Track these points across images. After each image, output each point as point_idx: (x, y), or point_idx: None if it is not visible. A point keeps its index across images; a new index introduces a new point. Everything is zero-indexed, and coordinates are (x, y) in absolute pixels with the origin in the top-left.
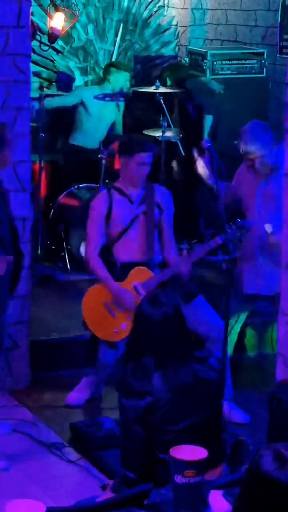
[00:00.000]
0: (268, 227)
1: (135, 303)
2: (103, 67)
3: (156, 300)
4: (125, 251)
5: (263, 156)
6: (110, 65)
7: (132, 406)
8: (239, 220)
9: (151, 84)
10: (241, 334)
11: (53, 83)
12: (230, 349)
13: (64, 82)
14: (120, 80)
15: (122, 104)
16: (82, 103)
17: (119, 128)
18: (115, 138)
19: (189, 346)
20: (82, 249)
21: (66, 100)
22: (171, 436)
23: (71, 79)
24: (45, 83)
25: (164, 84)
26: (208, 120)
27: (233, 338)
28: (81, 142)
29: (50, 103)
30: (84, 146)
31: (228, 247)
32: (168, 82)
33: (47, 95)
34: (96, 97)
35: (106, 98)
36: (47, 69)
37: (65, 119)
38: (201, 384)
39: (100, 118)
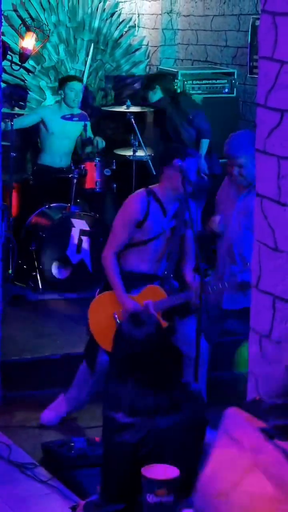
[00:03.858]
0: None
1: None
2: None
3: (138, 320)
4: (135, 259)
5: (243, 166)
6: (59, 78)
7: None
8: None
9: (122, 103)
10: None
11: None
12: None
13: (19, 96)
14: (67, 90)
15: (89, 124)
16: (42, 121)
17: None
18: (86, 157)
19: (172, 366)
20: (54, 269)
21: (29, 119)
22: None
23: (26, 92)
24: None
25: (144, 100)
26: (205, 144)
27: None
28: (48, 162)
29: (17, 123)
30: (52, 166)
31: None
32: (157, 94)
33: (18, 115)
34: (64, 118)
35: (74, 119)
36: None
37: (32, 139)
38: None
39: (62, 136)
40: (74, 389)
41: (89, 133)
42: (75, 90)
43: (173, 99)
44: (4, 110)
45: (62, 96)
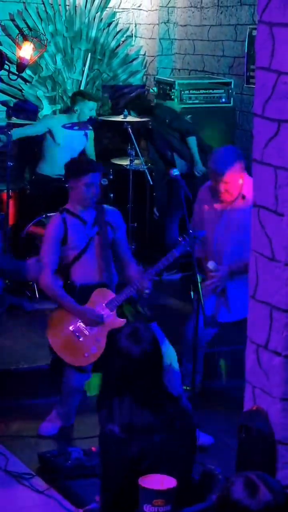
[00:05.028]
0: (211, 265)
1: (102, 317)
2: (71, 96)
3: (136, 335)
4: (83, 273)
5: (229, 182)
6: (77, 94)
7: (114, 435)
8: (191, 231)
9: (119, 113)
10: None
11: (18, 110)
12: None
13: (32, 111)
14: (85, 109)
15: (90, 133)
16: (49, 132)
17: (93, 156)
18: None
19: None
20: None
21: (34, 129)
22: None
23: (37, 108)
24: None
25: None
26: (192, 142)
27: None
28: (47, 171)
29: (17, 133)
30: (51, 176)
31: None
32: (133, 114)
33: (15, 125)
34: (64, 126)
35: (75, 127)
36: (16, 98)
37: (32, 148)
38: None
39: (68, 149)
40: (61, 405)
41: (91, 142)
42: (94, 110)
43: (150, 113)
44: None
45: (78, 113)
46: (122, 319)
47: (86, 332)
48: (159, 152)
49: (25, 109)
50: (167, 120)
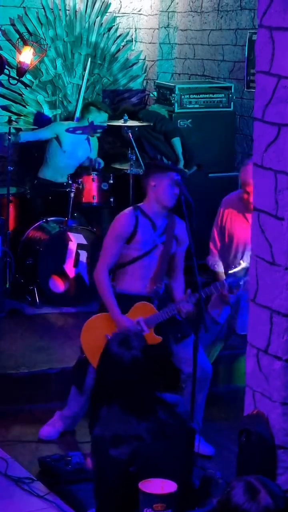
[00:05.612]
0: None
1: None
2: (71, 101)
3: (126, 342)
4: (129, 280)
5: None
6: (91, 104)
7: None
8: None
9: (119, 117)
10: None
11: (22, 117)
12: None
13: (46, 120)
14: (98, 120)
15: (93, 140)
16: (56, 138)
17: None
18: (83, 171)
19: (155, 391)
20: (51, 283)
21: (43, 134)
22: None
23: (39, 114)
24: (14, 117)
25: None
26: (177, 143)
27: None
28: (49, 177)
29: (26, 135)
30: (53, 181)
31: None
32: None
33: (16, 129)
34: (67, 130)
35: (77, 132)
36: (16, 102)
37: (33, 153)
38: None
39: (72, 156)
40: (68, 408)
41: (95, 149)
42: (105, 123)
43: (134, 117)
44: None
45: (89, 122)
46: (159, 337)
47: None
48: (150, 158)
49: (37, 119)
50: (151, 124)
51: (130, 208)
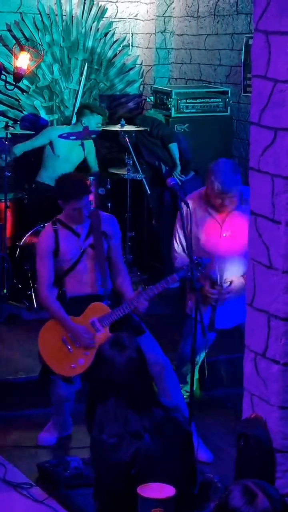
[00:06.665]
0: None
1: (94, 338)
2: (68, 106)
3: (119, 343)
4: (75, 284)
5: (234, 195)
6: (84, 106)
7: (105, 441)
8: (195, 257)
9: (116, 122)
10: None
11: (18, 123)
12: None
13: (29, 121)
14: (92, 123)
15: (88, 143)
16: (50, 143)
17: (95, 167)
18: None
19: (150, 388)
20: None
21: (36, 143)
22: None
23: (37, 118)
24: (11, 122)
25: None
26: (174, 148)
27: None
28: (47, 181)
29: (20, 149)
30: (51, 185)
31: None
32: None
33: (15, 135)
34: (60, 136)
35: (71, 137)
36: (13, 108)
37: (31, 158)
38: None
39: (66, 160)
40: (55, 414)
41: (92, 153)
42: (100, 124)
43: (131, 122)
44: None
45: (84, 126)
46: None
47: (76, 344)
48: (147, 163)
49: (35, 124)
50: (148, 129)
51: (49, 223)
